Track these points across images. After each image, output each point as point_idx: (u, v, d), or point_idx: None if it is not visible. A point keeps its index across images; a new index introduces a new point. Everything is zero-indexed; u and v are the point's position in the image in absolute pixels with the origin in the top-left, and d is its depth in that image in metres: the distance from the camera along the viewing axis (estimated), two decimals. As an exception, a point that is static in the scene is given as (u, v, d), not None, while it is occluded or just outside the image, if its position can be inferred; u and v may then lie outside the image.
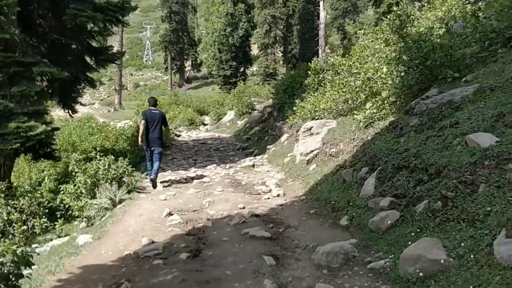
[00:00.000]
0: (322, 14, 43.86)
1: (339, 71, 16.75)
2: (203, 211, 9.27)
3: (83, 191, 11.26)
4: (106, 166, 11.42)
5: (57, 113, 51.97)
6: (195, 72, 73.26)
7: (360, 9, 68.66)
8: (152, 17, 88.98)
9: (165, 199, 10.45)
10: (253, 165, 15.04)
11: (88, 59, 16.26)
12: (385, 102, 10.28)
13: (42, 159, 16.31)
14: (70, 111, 16.47)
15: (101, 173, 11.24)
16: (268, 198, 9.96)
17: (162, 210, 9.23)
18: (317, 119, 14.20)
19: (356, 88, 12.01)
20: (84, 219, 10.93)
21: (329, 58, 17.53)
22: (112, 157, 11.79)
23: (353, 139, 10.77)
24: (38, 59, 12.86)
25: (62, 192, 11.67)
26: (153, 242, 7.39)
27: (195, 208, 9.49)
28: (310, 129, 13.16)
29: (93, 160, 11.71)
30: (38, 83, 13.98)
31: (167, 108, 38.88)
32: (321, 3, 42.46)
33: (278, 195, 10.11)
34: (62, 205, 12.05)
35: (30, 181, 19.26)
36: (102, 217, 10.37)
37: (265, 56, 55.42)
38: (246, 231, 7.31)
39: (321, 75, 17.46)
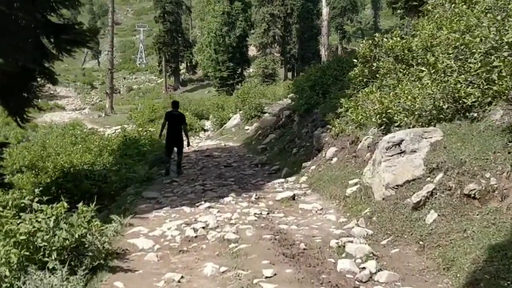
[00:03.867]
0: (325, 10, 38.78)
1: (400, 56, 11.32)
2: None
3: (7, 273, 5.53)
4: (51, 224, 5.70)
5: (44, 119, 46.23)
6: (190, 75, 67.36)
7: (358, 8, 63.38)
8: (145, 19, 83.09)
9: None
10: (294, 197, 9.38)
11: (48, 42, 10.51)
12: None
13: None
14: (19, 120, 10.55)
15: (40, 239, 5.54)
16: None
17: None
18: (398, 125, 8.62)
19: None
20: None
21: (386, 40, 11.96)
22: (65, 205, 6.04)
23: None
24: None
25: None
26: None
27: None
28: (398, 144, 7.54)
29: (28, 212, 5.96)
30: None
31: (162, 112, 33.18)
32: (323, -1, 37.61)
33: (407, 300, 4.45)
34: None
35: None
36: None
37: (263, 56, 49.82)
38: None
39: (374, 64, 11.84)
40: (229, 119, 26.13)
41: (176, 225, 7.81)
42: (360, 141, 9.91)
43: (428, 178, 6.84)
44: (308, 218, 7.93)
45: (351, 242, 6.09)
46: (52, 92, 64.53)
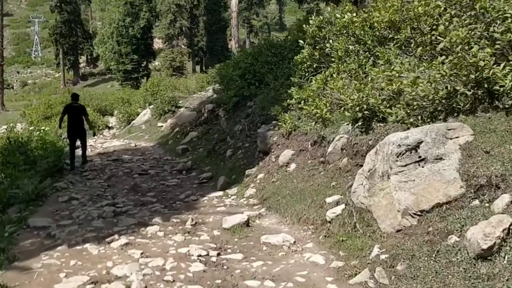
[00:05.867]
0: (234, 1, 36.55)
1: (357, 35, 8.97)
2: None
3: None
4: None
5: None
6: (91, 68, 61.77)
7: (264, 2, 61.49)
8: (40, 11, 75.39)
9: None
10: (248, 223, 6.52)
11: None
12: None
13: None
14: None
15: None
16: None
17: None
18: (382, 120, 6.12)
19: None
20: None
21: (340, 16, 9.44)
22: None
23: None
24: None
25: None
26: None
27: None
28: (415, 148, 4.96)
29: None
30: None
31: (60, 108, 28.80)
32: (232, -10, 35.45)
33: None
34: None
35: None
36: None
37: (170, 49, 46.19)
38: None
39: (327, 45, 9.27)
40: (137, 115, 22.66)
41: (76, 286, 4.70)
42: (328, 142, 7.29)
43: (476, 201, 4.33)
44: (283, 262, 5.13)
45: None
46: None
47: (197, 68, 49.47)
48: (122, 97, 29.55)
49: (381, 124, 6.46)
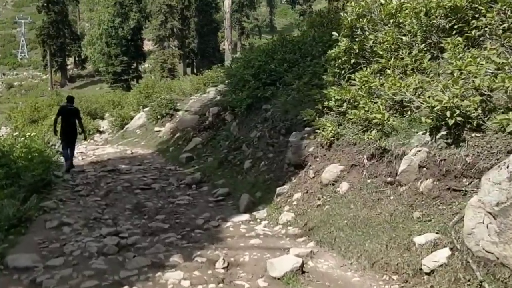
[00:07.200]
0: (227, 2, 34.68)
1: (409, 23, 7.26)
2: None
3: None
4: None
5: None
6: (79, 70, 59.18)
7: (255, 4, 59.80)
8: (27, 12, 72.60)
9: None
10: (302, 269, 4.70)
11: None
12: None
13: None
14: None
15: None
16: None
17: None
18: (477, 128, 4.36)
19: None
20: None
21: (385, 1, 7.71)
22: None
23: None
24: None
25: None
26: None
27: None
28: None
29: None
30: None
31: (47, 111, 26.78)
32: (226, -10, 33.51)
33: None
34: None
35: None
36: None
37: (161, 50, 44.17)
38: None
39: (371, 37, 7.51)
40: (131, 119, 20.66)
41: None
42: (396, 156, 5.50)
43: None
44: None
45: None
46: None
47: (188, 70, 47.50)
48: (113, 100, 27.60)
49: (478, 135, 4.71)
